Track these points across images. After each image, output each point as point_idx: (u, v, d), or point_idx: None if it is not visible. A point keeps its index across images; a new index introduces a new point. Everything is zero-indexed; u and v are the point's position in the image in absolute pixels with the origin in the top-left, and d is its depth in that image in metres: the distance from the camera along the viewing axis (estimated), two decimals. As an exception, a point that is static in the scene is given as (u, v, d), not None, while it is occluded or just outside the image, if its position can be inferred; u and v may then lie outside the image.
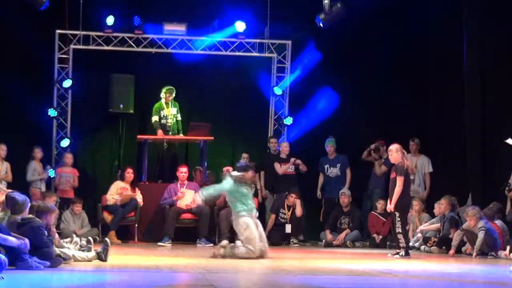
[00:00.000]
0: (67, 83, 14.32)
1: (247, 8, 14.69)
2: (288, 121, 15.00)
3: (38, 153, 13.48)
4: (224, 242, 12.10)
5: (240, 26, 14.63)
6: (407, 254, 10.69)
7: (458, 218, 12.31)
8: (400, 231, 10.71)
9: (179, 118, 14.18)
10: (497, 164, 12.73)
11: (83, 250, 9.12)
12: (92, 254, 8.98)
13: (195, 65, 14.94)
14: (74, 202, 13.15)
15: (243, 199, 10.13)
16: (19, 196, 8.41)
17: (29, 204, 8.45)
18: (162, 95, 13.97)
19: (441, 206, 12.27)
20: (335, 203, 14.01)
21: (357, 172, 14.31)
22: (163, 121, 13.97)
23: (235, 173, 10.32)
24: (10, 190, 9.12)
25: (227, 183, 10.27)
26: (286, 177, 14.02)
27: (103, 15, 14.34)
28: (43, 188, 13.38)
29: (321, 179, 14.26)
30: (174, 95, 14.05)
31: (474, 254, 11.17)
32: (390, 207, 10.74)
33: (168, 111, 14.00)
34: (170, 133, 14.04)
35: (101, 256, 8.97)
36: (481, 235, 11.11)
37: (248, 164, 11.03)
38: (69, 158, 13.78)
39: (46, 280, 7.25)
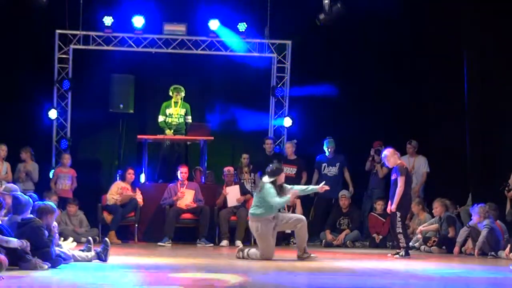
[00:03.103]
0: (67, 85, 14.34)
1: (247, 8, 14.69)
2: (288, 122, 14.99)
3: (22, 154, 13.39)
4: (238, 242, 12.48)
5: (242, 26, 14.65)
6: (407, 254, 10.69)
7: (455, 216, 12.45)
8: (401, 231, 10.72)
9: (189, 120, 14.05)
10: (497, 164, 12.74)
11: (83, 250, 9.13)
12: (92, 254, 8.98)
13: (195, 65, 14.94)
14: (70, 203, 13.14)
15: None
16: (22, 197, 8.44)
17: (31, 205, 8.46)
18: (170, 93, 13.97)
19: (436, 209, 12.40)
20: (332, 204, 14.00)
21: (357, 172, 14.30)
22: (168, 119, 13.94)
23: (266, 179, 10.03)
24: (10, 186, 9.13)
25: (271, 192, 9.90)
26: (287, 178, 13.95)
27: (103, 15, 14.34)
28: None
29: (315, 177, 14.19)
30: (182, 94, 13.96)
31: (476, 251, 11.18)
32: (392, 207, 10.74)
33: (176, 110, 13.96)
34: (175, 132, 13.97)
35: (101, 256, 8.98)
36: (484, 232, 11.14)
37: (278, 166, 10.41)
38: (66, 158, 13.77)
39: (46, 280, 7.25)
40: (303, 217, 10.21)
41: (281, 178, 10.08)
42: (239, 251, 10.17)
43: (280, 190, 9.98)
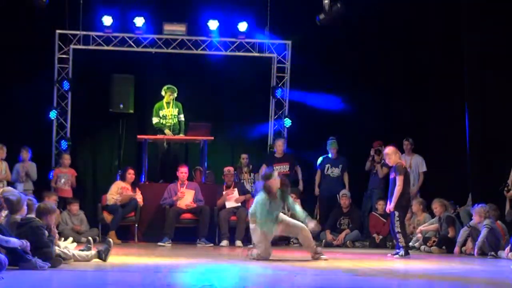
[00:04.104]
0: (67, 86, 14.35)
1: (247, 8, 14.69)
2: (287, 122, 14.98)
3: (23, 154, 13.40)
4: (238, 242, 12.49)
5: (242, 26, 14.65)
6: (406, 254, 10.68)
7: (454, 216, 12.48)
8: (400, 230, 10.70)
9: (182, 119, 14.07)
10: (497, 164, 12.74)
11: (82, 250, 9.13)
12: (92, 253, 8.98)
13: (195, 65, 14.94)
14: (71, 202, 13.15)
15: (265, 212, 9.73)
16: (13, 196, 8.44)
17: (26, 201, 8.48)
18: (163, 93, 13.96)
19: (435, 209, 12.41)
20: (333, 203, 14.02)
21: (357, 172, 14.30)
22: (162, 120, 13.95)
23: (260, 183, 10.00)
24: (7, 188, 9.14)
25: (259, 198, 9.78)
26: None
27: (103, 15, 14.35)
28: (19, 188, 13.13)
29: (318, 177, 14.23)
30: (175, 95, 13.96)
31: (476, 251, 11.18)
32: (390, 207, 10.75)
33: (169, 111, 13.96)
34: (170, 133, 13.99)
35: (102, 255, 8.96)
36: (484, 232, 11.13)
37: (270, 171, 10.15)
38: (66, 159, 13.78)
39: (47, 280, 7.25)
40: (303, 225, 9.95)
41: (272, 184, 9.77)
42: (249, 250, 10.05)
43: (281, 198, 9.81)
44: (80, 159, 14.78)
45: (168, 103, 13.94)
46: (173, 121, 13.96)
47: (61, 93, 14.55)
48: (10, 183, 12.68)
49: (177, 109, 14.00)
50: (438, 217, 12.43)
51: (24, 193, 9.43)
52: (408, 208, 11.62)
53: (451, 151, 14.06)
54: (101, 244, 9.50)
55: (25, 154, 13.37)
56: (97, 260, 8.96)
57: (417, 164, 13.93)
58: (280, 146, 14.10)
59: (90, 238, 9.52)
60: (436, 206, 12.46)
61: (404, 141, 13.88)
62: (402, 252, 10.68)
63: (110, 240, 9.43)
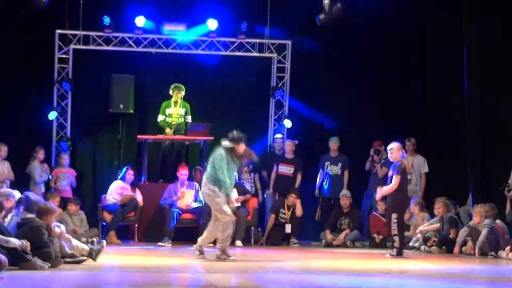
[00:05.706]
0: (67, 87, 14.32)
1: (247, 8, 14.69)
2: (288, 123, 14.95)
3: (40, 154, 13.47)
4: (238, 242, 12.37)
5: (242, 26, 14.65)
6: (398, 255, 10.63)
7: (457, 217, 12.40)
8: (396, 232, 10.63)
9: (189, 120, 14.05)
10: (497, 164, 12.74)
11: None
12: (86, 248, 8.96)
13: (195, 65, 14.94)
14: (70, 202, 13.15)
15: (225, 171, 9.60)
16: (33, 196, 8.56)
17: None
18: (170, 92, 13.95)
19: (438, 209, 12.35)
20: (332, 204, 14.02)
21: (357, 172, 14.30)
22: (167, 119, 13.93)
23: (226, 143, 9.83)
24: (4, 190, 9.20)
25: (219, 154, 9.66)
26: (285, 178, 13.99)
27: (103, 15, 14.34)
28: (42, 189, 13.32)
29: (320, 177, 14.24)
30: (183, 93, 13.94)
31: (477, 250, 11.18)
32: (378, 196, 10.84)
33: (175, 110, 13.94)
34: (174, 132, 13.96)
35: (92, 255, 8.91)
36: (484, 232, 11.13)
37: (241, 135, 10.06)
38: (65, 159, 13.78)
39: (47, 280, 7.25)
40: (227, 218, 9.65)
41: (240, 148, 9.80)
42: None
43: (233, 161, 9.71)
44: (80, 159, 14.78)
45: (175, 102, 13.94)
46: (178, 120, 13.94)
47: (61, 93, 14.54)
48: (13, 183, 12.68)
49: (184, 109, 13.98)
50: (440, 217, 12.37)
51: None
52: (406, 208, 11.55)
53: (451, 151, 14.05)
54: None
55: (42, 154, 13.42)
56: (88, 259, 8.91)
57: (419, 164, 13.91)
58: (290, 147, 14.07)
59: (94, 239, 9.54)
60: (439, 206, 12.36)
61: (406, 141, 13.83)
62: (394, 252, 10.65)
63: (104, 241, 9.42)
